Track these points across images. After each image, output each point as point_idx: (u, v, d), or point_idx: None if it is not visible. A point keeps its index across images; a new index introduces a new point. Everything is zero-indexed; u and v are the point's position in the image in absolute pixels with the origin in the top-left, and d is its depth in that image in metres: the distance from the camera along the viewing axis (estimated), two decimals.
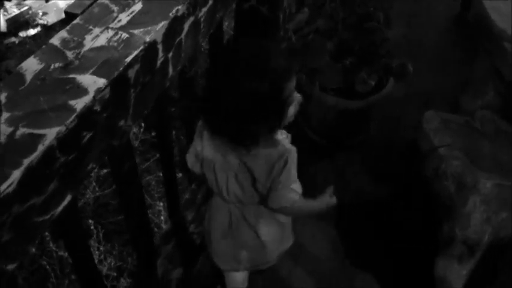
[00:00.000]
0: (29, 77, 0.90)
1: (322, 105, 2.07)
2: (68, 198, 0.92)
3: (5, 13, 2.92)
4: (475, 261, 1.63)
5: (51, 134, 0.82)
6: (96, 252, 1.93)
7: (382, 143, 2.32)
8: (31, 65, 0.92)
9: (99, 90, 0.89)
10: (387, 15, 1.94)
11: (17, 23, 2.95)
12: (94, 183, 2.16)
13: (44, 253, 1.93)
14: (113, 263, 1.92)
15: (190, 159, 1.36)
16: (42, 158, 0.80)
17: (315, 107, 2.15)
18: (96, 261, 1.83)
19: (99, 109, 0.91)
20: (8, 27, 2.90)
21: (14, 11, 2.95)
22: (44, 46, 0.97)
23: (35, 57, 0.94)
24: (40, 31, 2.96)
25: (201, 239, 1.80)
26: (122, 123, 1.01)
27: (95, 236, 1.98)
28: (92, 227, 2.01)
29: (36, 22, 2.99)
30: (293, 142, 1.27)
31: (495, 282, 1.81)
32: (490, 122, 1.84)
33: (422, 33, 2.89)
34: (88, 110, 0.88)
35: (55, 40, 0.97)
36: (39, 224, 0.86)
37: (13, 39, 2.90)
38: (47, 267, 1.90)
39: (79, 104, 0.87)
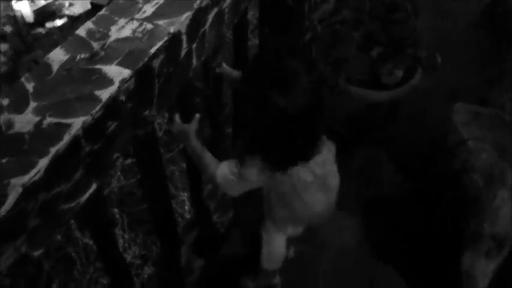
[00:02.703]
0: (55, 67, 0.91)
1: (348, 96, 2.04)
2: (94, 186, 0.94)
3: (33, 4, 2.96)
4: (502, 257, 1.60)
5: (77, 123, 0.83)
6: (121, 240, 1.96)
7: (408, 136, 2.28)
8: (58, 56, 0.94)
9: (124, 81, 0.90)
10: (415, 5, 1.90)
11: (44, 14, 2.99)
12: (119, 173, 2.19)
13: (69, 241, 1.97)
14: (137, 252, 1.94)
15: None
16: (68, 147, 0.81)
17: (339, 98, 2.12)
18: (120, 249, 1.86)
19: (124, 99, 0.92)
20: (35, 18, 2.94)
21: (41, 2, 2.99)
22: (70, 37, 0.98)
23: (61, 48, 0.95)
24: (67, 22, 3.00)
25: (224, 228, 1.81)
26: (146, 113, 1.02)
27: (119, 224, 2.01)
28: (117, 216, 2.04)
29: (62, 13, 3.03)
30: None
31: None
32: None
33: (451, 25, 2.82)
34: (113, 100, 0.89)
35: (81, 31, 0.98)
36: (66, 212, 0.88)
37: (40, 29, 2.94)
38: (73, 254, 1.93)
39: (104, 94, 0.87)
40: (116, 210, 2.06)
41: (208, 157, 1.34)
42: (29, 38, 2.84)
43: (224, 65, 1.47)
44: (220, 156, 1.40)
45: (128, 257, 1.91)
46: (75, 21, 3.00)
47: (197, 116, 1.33)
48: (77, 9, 3.05)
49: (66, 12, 3.04)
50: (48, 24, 2.96)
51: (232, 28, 1.45)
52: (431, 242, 1.89)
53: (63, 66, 0.91)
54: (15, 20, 2.82)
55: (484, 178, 1.57)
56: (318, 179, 1.38)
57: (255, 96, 1.18)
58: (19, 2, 2.88)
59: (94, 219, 1.14)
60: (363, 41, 1.86)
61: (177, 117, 1.33)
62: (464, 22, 2.87)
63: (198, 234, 1.75)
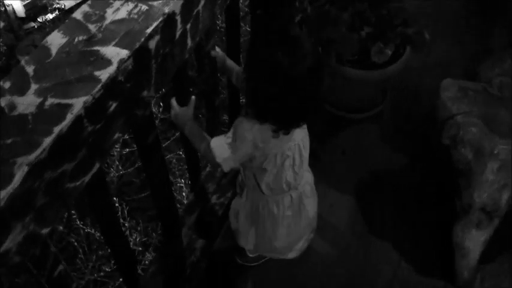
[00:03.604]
0: (54, 50, 0.94)
1: (339, 76, 2.07)
2: (97, 166, 0.97)
3: None
4: (493, 228, 1.64)
5: (78, 103, 0.86)
6: (122, 228, 1.99)
7: (399, 113, 2.32)
8: (55, 39, 0.96)
9: (122, 61, 0.93)
10: None
11: (36, 8, 2.99)
12: (117, 162, 2.21)
13: (71, 231, 1.99)
14: (138, 239, 1.97)
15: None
16: (71, 126, 0.84)
17: (331, 78, 2.14)
18: None
19: (122, 79, 0.94)
20: (26, 12, 2.94)
21: None
22: (66, 20, 1.00)
23: (59, 31, 0.97)
24: (58, 15, 3.00)
25: (223, 209, 1.84)
26: (144, 93, 1.05)
27: (119, 213, 2.03)
28: (117, 204, 2.06)
29: (54, 6, 3.02)
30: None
31: None
32: (509, 88, 1.82)
33: (439, 2, 2.84)
34: (112, 80, 0.91)
35: (77, 14, 1.01)
36: (71, 190, 0.91)
37: (32, 24, 2.94)
38: (75, 244, 1.96)
39: (103, 74, 0.90)
40: (115, 199, 2.08)
41: (204, 134, 1.37)
42: (21, 33, 2.84)
43: (218, 49, 1.49)
44: None
45: (130, 244, 1.94)
46: (66, 13, 2.99)
47: (193, 98, 1.36)
48: (68, 2, 3.04)
49: (57, 5, 3.03)
50: (40, 18, 2.96)
51: (224, 11, 1.47)
52: (424, 215, 1.93)
53: (62, 48, 0.94)
54: (7, 15, 2.82)
55: (473, 151, 1.60)
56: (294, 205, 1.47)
57: (261, 54, 1.18)
58: None
59: (97, 202, 1.16)
60: (352, 21, 1.88)
61: (174, 101, 1.36)
62: None
63: (198, 216, 1.78)
